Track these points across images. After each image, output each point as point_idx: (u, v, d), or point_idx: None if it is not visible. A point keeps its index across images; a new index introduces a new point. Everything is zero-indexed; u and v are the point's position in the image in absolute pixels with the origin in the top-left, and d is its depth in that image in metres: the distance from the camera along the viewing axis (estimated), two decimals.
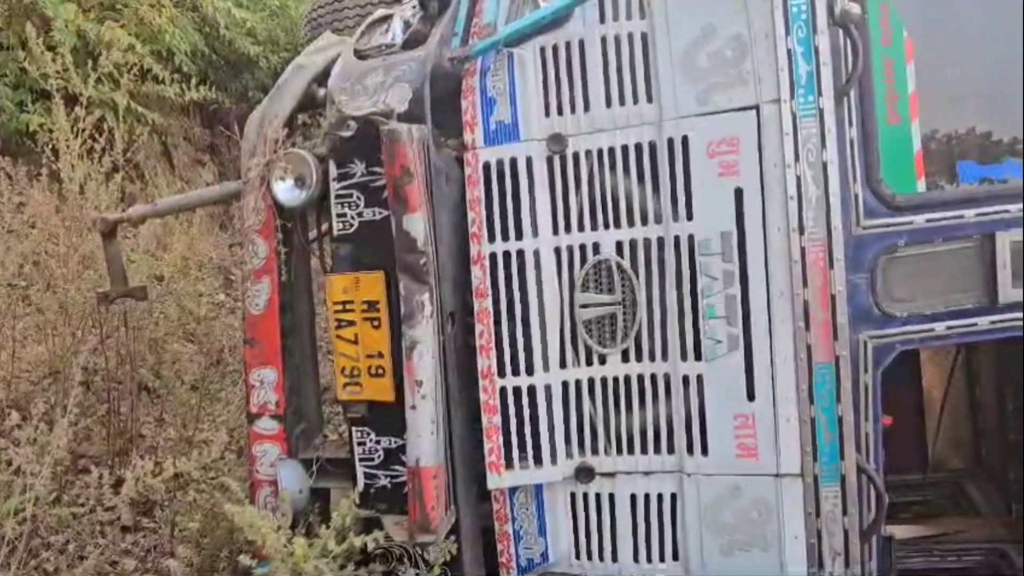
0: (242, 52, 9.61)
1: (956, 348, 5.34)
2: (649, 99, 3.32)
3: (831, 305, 3.13)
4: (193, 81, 8.75)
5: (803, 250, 3.13)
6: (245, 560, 3.01)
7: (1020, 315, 3.23)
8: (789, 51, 3.12)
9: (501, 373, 3.40)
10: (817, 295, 3.13)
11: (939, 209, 3.21)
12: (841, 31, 3.14)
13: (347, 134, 3.30)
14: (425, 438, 3.14)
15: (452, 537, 3.37)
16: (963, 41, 3.39)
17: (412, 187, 3.12)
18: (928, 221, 3.20)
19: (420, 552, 3.42)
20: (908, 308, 3.23)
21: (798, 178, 3.12)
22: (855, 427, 3.24)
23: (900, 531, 5.22)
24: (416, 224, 3.15)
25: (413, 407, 3.14)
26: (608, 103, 3.36)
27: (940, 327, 3.23)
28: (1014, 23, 3.27)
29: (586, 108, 3.39)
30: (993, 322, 3.23)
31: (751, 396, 3.22)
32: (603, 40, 3.37)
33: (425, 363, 3.14)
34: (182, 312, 6.03)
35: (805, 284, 3.14)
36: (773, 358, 3.19)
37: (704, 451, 3.29)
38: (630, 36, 3.35)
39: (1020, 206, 3.21)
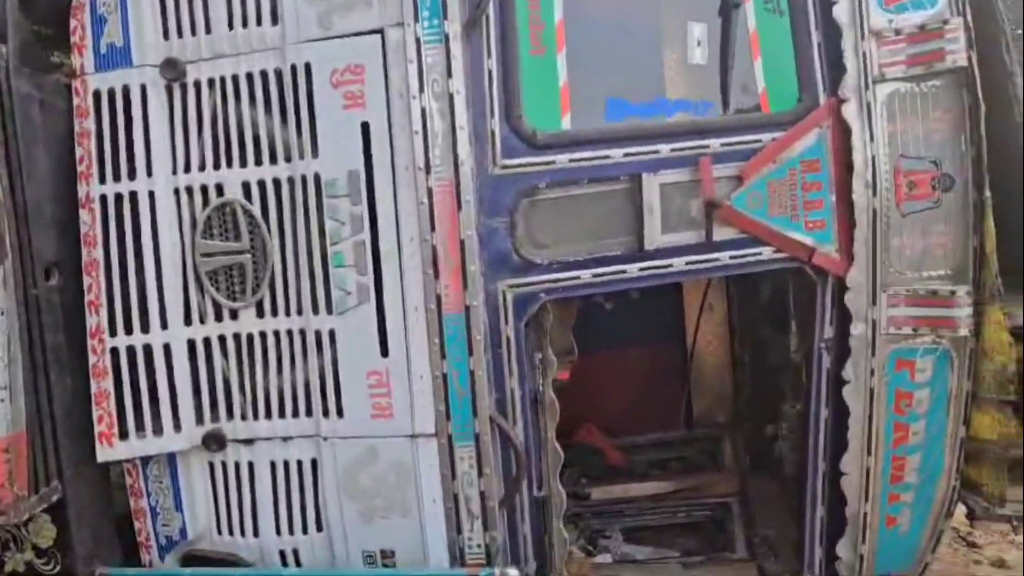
0: None
1: (700, 304, 5.30)
2: (275, 21, 2.95)
3: (460, 251, 2.87)
4: None
5: (430, 190, 2.86)
6: None
7: (669, 262, 3.08)
8: None
9: (112, 331, 3.01)
10: (446, 240, 2.87)
11: (584, 148, 3.00)
12: None
13: None
14: None
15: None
16: None
17: None
18: (572, 161, 2.99)
19: (29, 535, 3.01)
20: (551, 254, 3.02)
21: (423, 111, 2.83)
22: (499, 383, 3.02)
23: (651, 487, 5.20)
24: None
25: None
26: (231, 24, 2.99)
27: (586, 274, 3.03)
28: None
29: (207, 30, 3.00)
30: (642, 269, 3.06)
31: (384, 352, 2.96)
32: None
33: None
34: None
35: (433, 228, 2.87)
36: (405, 310, 2.93)
37: (339, 413, 3.02)
38: None
39: (671, 146, 3.04)
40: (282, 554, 3.15)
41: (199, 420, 3.08)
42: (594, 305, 5.52)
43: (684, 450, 5.68)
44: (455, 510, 2.99)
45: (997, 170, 3.31)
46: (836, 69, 3.08)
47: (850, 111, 3.06)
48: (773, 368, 4.59)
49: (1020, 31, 3.57)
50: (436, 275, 2.88)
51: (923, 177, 3.09)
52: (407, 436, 2.98)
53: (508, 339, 2.99)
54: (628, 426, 5.73)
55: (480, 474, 2.96)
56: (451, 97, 2.82)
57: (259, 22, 2.95)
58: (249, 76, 2.97)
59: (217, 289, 3.04)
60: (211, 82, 2.99)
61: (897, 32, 3.04)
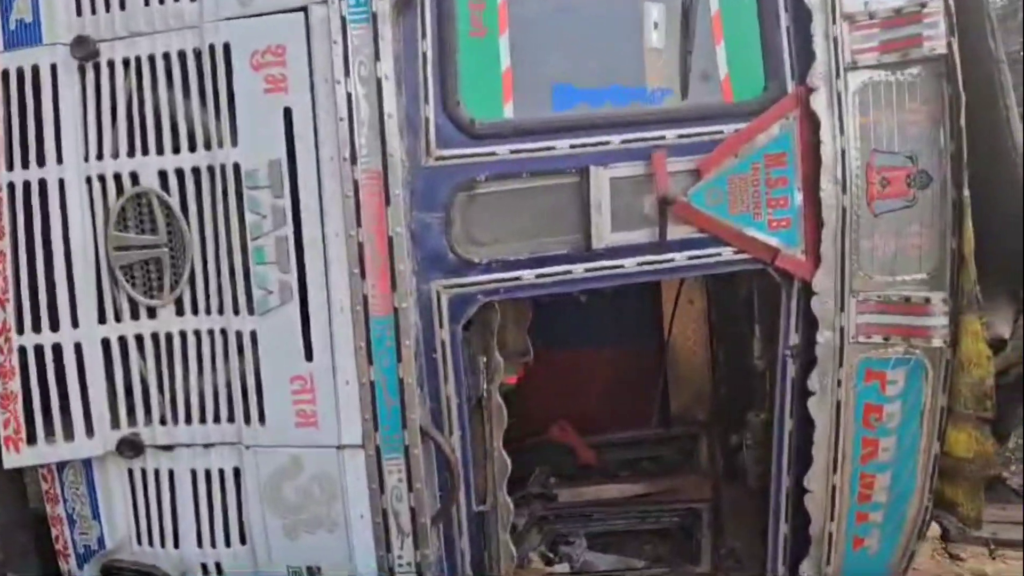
0: None
1: (675, 298, 5.09)
2: None
3: (388, 249, 2.65)
4: None
5: (356, 183, 2.63)
6: None
7: (620, 262, 2.85)
8: None
9: (20, 329, 2.81)
10: (373, 237, 2.65)
11: (527, 139, 2.77)
12: None
13: None
14: None
15: None
16: None
17: None
18: (514, 152, 2.76)
19: None
20: (490, 253, 2.80)
21: (349, 96, 2.61)
22: (433, 391, 2.82)
23: (621, 489, 5.00)
24: None
25: None
26: (147, 0, 2.76)
27: (528, 275, 2.81)
28: None
29: (122, 6, 2.78)
30: (589, 270, 2.84)
31: (308, 356, 2.75)
32: None
33: None
34: None
35: (359, 223, 2.65)
36: (330, 311, 2.71)
37: (262, 420, 2.82)
38: None
39: (623, 137, 2.80)
40: (204, 567, 2.98)
41: (115, 424, 2.90)
42: (569, 299, 5.33)
43: (660, 450, 5.47)
44: (384, 526, 2.79)
45: (983, 166, 3.07)
46: (805, 56, 2.84)
47: (819, 101, 2.82)
48: (747, 370, 4.37)
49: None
50: (363, 274, 2.66)
51: (897, 174, 2.85)
52: (333, 447, 2.77)
53: (443, 343, 2.78)
54: (604, 423, 5.53)
55: (410, 488, 2.76)
56: (379, 82, 2.59)
57: None
58: (166, 56, 2.76)
59: (133, 285, 2.84)
60: (126, 62, 2.78)
61: (871, 16, 2.80)
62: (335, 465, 2.78)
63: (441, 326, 2.76)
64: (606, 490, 4.98)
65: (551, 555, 4.28)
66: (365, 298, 2.67)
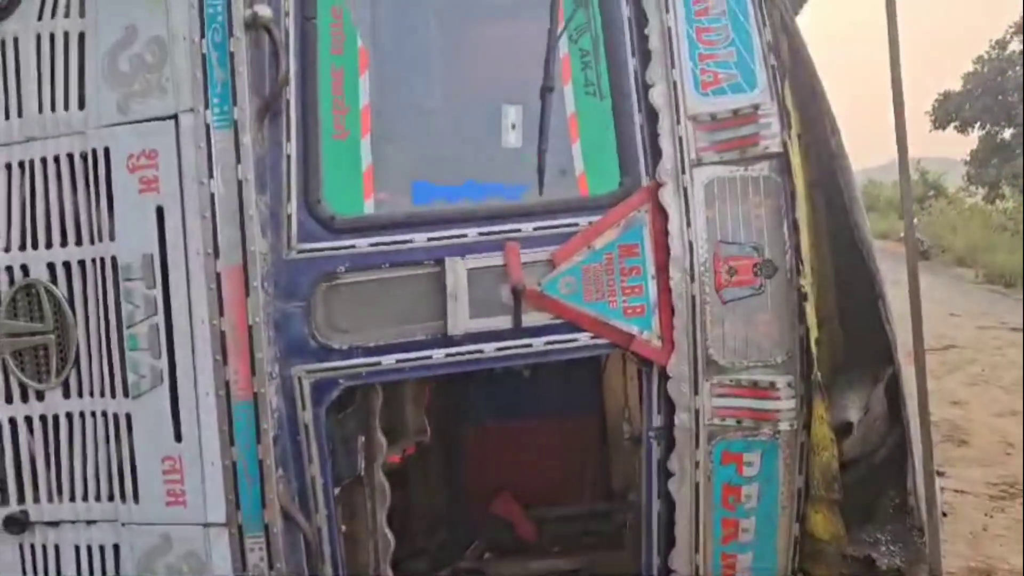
0: None
1: (600, 371, 5.18)
2: (81, 105, 2.98)
3: (248, 337, 2.83)
4: None
5: (218, 275, 2.83)
6: None
7: (479, 347, 3.00)
8: (204, 56, 2.82)
9: None
10: (234, 326, 2.83)
11: (385, 232, 2.95)
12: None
13: None
14: None
15: None
16: (424, 54, 3.14)
17: None
18: (373, 245, 2.94)
19: None
20: (351, 340, 2.96)
21: (212, 196, 2.82)
22: (299, 472, 2.95)
23: (549, 565, 5.03)
24: None
25: None
26: (41, 108, 3.02)
27: (389, 360, 2.96)
28: (477, 38, 3.06)
29: (19, 113, 3.04)
30: (449, 355, 2.99)
31: (178, 437, 2.90)
32: (38, 38, 3.03)
33: None
34: None
35: (222, 313, 2.83)
36: (198, 395, 2.88)
37: (136, 497, 2.96)
38: (66, 35, 3.01)
39: (480, 230, 2.98)
40: None
41: (3, 502, 3.05)
42: (513, 373, 5.44)
43: (599, 524, 5.50)
44: None
45: (842, 256, 3.20)
46: (656, 153, 3.02)
47: (667, 195, 2.99)
48: None
49: None
50: (224, 360, 2.83)
51: (744, 263, 2.99)
52: (200, 525, 2.90)
53: (306, 426, 2.92)
54: (552, 496, 5.57)
55: (271, 567, 2.87)
56: (239, 183, 2.80)
57: (67, 107, 2.98)
58: (56, 159, 2.99)
59: (23, 370, 3.02)
60: (21, 165, 3.02)
61: (713, 117, 2.98)
62: (202, 543, 2.90)
63: (304, 409, 2.91)
64: (533, 566, 5.00)
65: None
66: (227, 383, 2.83)
